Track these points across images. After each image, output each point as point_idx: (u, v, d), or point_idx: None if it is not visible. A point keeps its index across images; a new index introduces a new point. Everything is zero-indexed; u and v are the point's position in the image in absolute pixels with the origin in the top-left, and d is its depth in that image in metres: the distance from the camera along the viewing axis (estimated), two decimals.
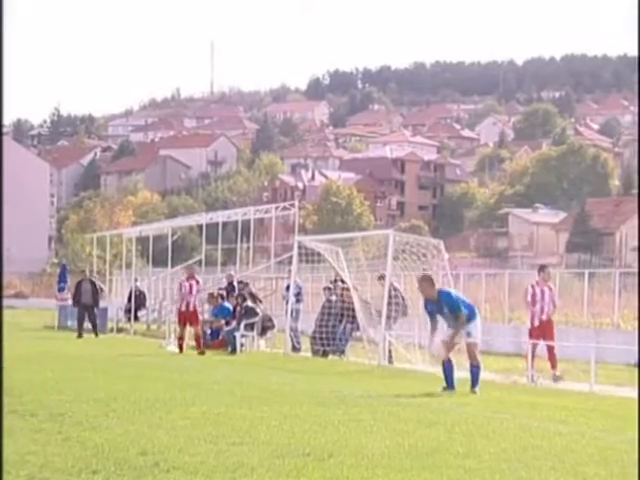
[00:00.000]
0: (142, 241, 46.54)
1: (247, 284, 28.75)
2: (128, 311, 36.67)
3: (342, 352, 23.85)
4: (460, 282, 31.94)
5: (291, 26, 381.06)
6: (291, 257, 26.60)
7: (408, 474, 7.38)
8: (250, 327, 25.49)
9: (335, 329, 23.91)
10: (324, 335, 23.93)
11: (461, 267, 51.74)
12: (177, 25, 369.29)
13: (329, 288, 25.51)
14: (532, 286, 19.49)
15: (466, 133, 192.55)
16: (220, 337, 25.68)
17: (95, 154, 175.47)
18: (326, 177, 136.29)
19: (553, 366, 18.70)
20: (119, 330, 35.25)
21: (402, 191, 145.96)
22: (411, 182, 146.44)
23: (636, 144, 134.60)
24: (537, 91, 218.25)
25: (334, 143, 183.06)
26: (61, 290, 38.84)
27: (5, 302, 46.73)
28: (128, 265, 42.41)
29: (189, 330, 23.88)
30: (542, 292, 19.23)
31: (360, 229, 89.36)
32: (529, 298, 19.25)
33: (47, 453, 8.00)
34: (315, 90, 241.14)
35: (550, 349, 19.02)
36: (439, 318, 14.90)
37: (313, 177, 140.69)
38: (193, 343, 24.05)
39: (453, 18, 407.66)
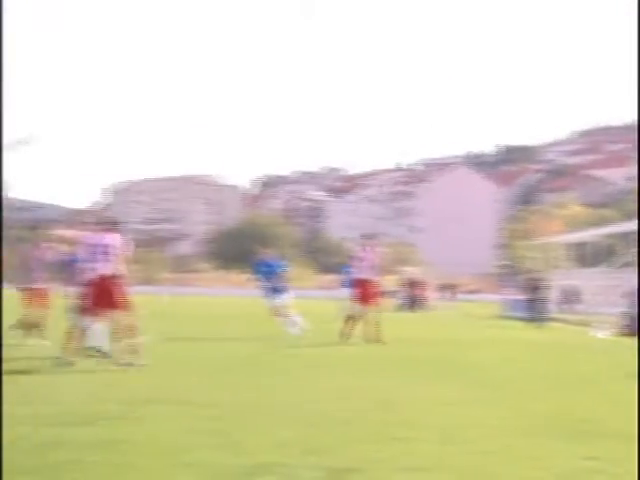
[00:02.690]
0: (571, 247, 45.76)
1: None
2: (560, 304, 36.35)
3: None
4: None
5: None
6: None
7: None
8: None
9: None
10: None
11: None
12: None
13: None
14: None
15: None
16: None
17: (532, 176, 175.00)
18: None
19: None
20: (554, 319, 34.76)
21: None
22: None
23: None
24: None
25: None
26: (508, 287, 39.04)
27: (461, 297, 47.73)
28: (559, 266, 41.88)
29: None
30: None
31: None
32: None
33: None
34: None
35: None
36: None
37: None
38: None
39: None
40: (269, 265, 19.81)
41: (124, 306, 11.44)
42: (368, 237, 18.25)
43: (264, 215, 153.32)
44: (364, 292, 17.40)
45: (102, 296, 11.31)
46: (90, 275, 11.39)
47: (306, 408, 8.28)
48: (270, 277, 19.67)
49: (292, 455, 6.10)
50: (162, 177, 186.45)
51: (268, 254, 20.17)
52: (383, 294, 17.72)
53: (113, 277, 11.38)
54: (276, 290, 19.62)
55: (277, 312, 19.73)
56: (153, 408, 8.11)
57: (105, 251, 11.38)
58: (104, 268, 11.36)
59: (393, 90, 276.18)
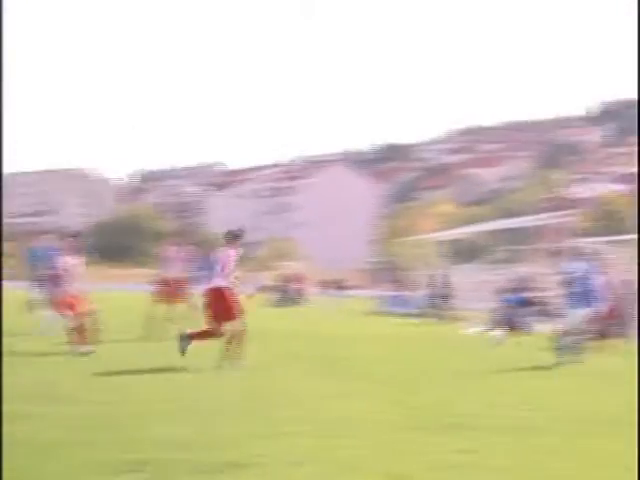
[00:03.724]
0: (444, 244, 46.80)
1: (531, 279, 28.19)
2: (434, 300, 37.06)
3: None
4: None
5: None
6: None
7: None
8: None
9: None
10: None
11: None
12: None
13: None
14: None
15: None
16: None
17: (408, 174, 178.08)
18: (603, 189, 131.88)
19: None
20: (429, 315, 35.37)
21: None
22: None
23: None
24: None
25: (611, 161, 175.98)
26: (384, 283, 39.18)
27: (340, 292, 47.98)
28: (431, 263, 42.77)
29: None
30: None
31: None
32: None
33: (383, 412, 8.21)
34: (594, 117, 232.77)
35: None
36: None
37: (592, 190, 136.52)
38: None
39: None
40: (39, 254, 17.29)
41: (239, 316, 11.79)
42: (179, 236, 18.42)
43: (139, 209, 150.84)
44: (169, 291, 17.10)
45: (220, 307, 11.71)
46: (207, 286, 11.87)
47: (190, 405, 8.22)
48: (39, 267, 16.75)
49: (171, 451, 6.06)
50: (40, 170, 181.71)
51: (44, 241, 17.82)
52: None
53: (227, 289, 11.75)
54: (43, 282, 16.27)
55: (34, 306, 17.03)
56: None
57: (220, 265, 11.81)
58: (219, 281, 11.78)
59: (273, 86, 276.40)
